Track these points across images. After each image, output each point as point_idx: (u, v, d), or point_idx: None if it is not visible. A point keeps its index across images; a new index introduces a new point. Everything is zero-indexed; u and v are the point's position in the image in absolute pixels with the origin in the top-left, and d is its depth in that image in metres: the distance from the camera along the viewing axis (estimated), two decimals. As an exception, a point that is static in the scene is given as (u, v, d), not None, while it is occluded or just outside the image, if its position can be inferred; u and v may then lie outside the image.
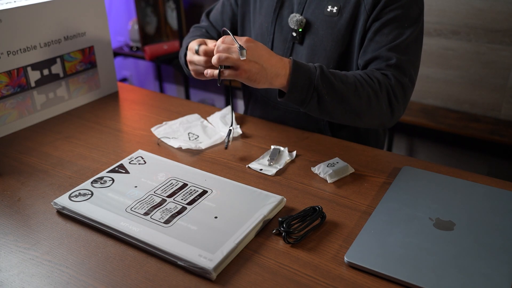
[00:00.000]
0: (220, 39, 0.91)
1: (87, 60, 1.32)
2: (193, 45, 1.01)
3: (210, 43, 1.00)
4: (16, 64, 1.14)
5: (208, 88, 3.09)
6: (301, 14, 1.11)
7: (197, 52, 0.99)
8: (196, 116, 1.20)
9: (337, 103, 0.95)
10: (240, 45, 0.87)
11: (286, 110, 1.20)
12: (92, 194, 0.87)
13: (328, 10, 1.07)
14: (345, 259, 0.72)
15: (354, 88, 0.96)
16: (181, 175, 0.93)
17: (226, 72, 0.91)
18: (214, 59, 0.90)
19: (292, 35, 1.13)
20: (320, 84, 0.93)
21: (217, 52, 0.90)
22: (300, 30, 1.11)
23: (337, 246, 0.76)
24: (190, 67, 1.04)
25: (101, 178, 0.92)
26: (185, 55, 1.15)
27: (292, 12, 1.13)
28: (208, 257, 0.71)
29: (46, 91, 1.23)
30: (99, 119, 1.23)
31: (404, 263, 0.70)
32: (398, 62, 1.00)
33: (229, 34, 0.91)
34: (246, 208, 0.82)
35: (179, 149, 1.07)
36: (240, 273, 0.71)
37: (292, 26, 1.11)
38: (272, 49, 1.18)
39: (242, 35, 1.26)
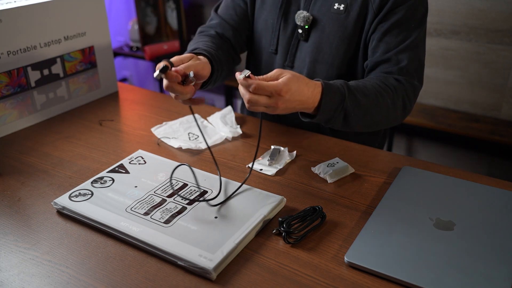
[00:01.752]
0: (246, 84, 0.81)
1: (87, 60, 1.32)
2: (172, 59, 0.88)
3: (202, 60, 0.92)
4: (16, 64, 1.14)
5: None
6: (308, 11, 1.11)
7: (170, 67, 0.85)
8: (196, 116, 1.20)
9: (361, 117, 0.96)
10: (246, 72, 0.81)
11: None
12: (92, 194, 0.87)
13: (335, 7, 1.07)
14: (345, 259, 0.72)
15: (376, 100, 0.96)
16: (181, 175, 0.93)
17: (261, 109, 0.85)
18: (247, 106, 0.84)
19: (298, 32, 1.13)
20: (349, 104, 0.92)
21: (249, 103, 0.82)
22: (306, 27, 1.11)
23: (337, 246, 0.76)
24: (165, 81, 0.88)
25: (101, 178, 0.92)
26: None
27: (299, 9, 1.13)
28: (208, 257, 0.71)
29: (46, 91, 1.23)
30: (99, 119, 1.23)
31: (404, 263, 0.70)
32: (408, 64, 1.02)
33: (249, 76, 0.82)
34: (246, 208, 0.82)
35: (179, 149, 1.07)
36: (240, 273, 0.71)
37: (299, 23, 1.11)
38: (277, 46, 1.18)
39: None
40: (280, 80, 0.83)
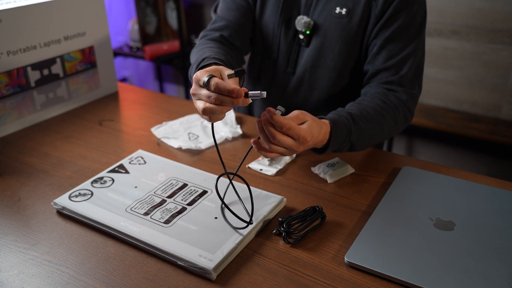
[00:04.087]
0: (279, 123, 0.77)
1: (87, 60, 1.32)
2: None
3: (227, 72, 0.78)
4: (16, 64, 1.14)
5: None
6: (308, 16, 1.10)
7: (205, 85, 0.76)
8: (196, 116, 1.20)
9: (365, 142, 0.96)
10: (282, 109, 0.78)
11: (287, 111, 1.20)
12: (92, 194, 0.87)
13: (337, 11, 1.07)
14: (345, 259, 0.72)
15: (379, 124, 0.97)
16: (181, 175, 0.93)
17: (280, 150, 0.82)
18: (269, 145, 0.80)
19: (299, 37, 1.12)
20: (355, 136, 0.92)
21: (275, 140, 0.78)
22: (308, 32, 1.11)
23: (337, 246, 0.76)
24: (197, 103, 0.78)
25: (101, 178, 0.92)
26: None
27: (299, 14, 1.12)
28: (208, 257, 0.71)
29: (46, 91, 1.23)
30: (99, 119, 1.23)
31: (404, 263, 0.70)
32: (408, 73, 1.03)
33: (282, 113, 0.78)
34: (246, 208, 0.82)
35: (179, 149, 1.07)
36: (240, 273, 0.71)
37: (300, 29, 1.11)
38: (278, 51, 1.17)
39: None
40: (306, 127, 0.81)
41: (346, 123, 0.91)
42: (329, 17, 1.08)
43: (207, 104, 0.75)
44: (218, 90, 0.73)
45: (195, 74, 0.79)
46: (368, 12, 1.05)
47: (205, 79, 0.76)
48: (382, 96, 1.01)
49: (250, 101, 0.75)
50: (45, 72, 1.22)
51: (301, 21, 1.10)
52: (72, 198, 0.86)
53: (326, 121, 0.88)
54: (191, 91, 0.80)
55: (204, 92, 0.76)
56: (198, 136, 1.12)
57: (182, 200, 0.85)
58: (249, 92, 0.75)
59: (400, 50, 1.03)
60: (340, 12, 1.06)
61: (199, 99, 0.78)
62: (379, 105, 0.99)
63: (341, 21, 1.07)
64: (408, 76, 1.03)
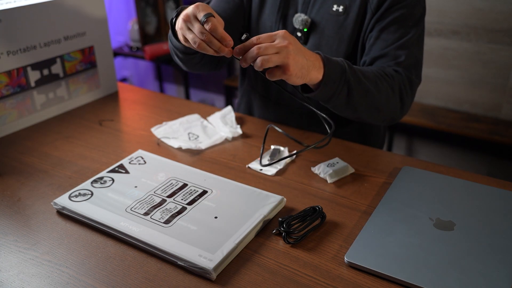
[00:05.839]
0: (253, 39, 0.80)
1: (87, 60, 1.32)
2: (201, 9, 0.81)
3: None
4: (16, 64, 1.14)
5: (208, 88, 3.09)
6: (306, 14, 1.11)
7: (200, 21, 0.81)
8: (196, 116, 1.20)
9: (362, 97, 0.96)
10: (246, 34, 0.81)
11: (287, 110, 1.20)
12: (92, 194, 0.87)
13: (334, 9, 1.07)
14: (345, 259, 0.72)
15: (375, 83, 0.97)
16: (181, 175, 0.93)
17: (277, 73, 0.82)
18: (258, 64, 0.79)
19: (297, 35, 1.13)
20: (351, 77, 0.92)
21: (259, 54, 0.79)
22: (305, 30, 1.11)
23: (337, 246, 0.76)
24: (187, 34, 0.83)
25: (101, 178, 0.92)
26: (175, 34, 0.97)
27: (297, 12, 1.13)
28: (208, 257, 0.71)
29: (46, 91, 1.23)
30: (99, 119, 1.23)
31: (404, 263, 0.70)
32: (406, 60, 1.03)
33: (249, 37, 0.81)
34: (246, 208, 0.82)
35: (179, 149, 1.07)
36: (240, 273, 0.71)
37: (297, 26, 1.11)
38: None
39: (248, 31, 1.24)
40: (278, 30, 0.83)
41: (340, 61, 0.92)
42: (326, 15, 1.08)
43: (199, 40, 0.80)
44: (213, 32, 0.78)
45: (195, 4, 0.82)
46: (364, 8, 1.05)
47: (203, 18, 0.80)
48: (381, 68, 1.02)
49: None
50: (45, 72, 1.22)
51: (298, 18, 1.10)
52: (72, 198, 0.86)
53: (316, 53, 0.89)
54: (184, 17, 0.83)
55: (198, 26, 0.80)
56: (198, 136, 1.12)
57: (182, 200, 0.85)
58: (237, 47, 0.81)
59: (396, 40, 1.03)
60: (337, 10, 1.07)
61: (189, 29, 0.81)
62: (376, 71, 1.00)
63: (338, 18, 1.07)
64: (404, 63, 1.03)
